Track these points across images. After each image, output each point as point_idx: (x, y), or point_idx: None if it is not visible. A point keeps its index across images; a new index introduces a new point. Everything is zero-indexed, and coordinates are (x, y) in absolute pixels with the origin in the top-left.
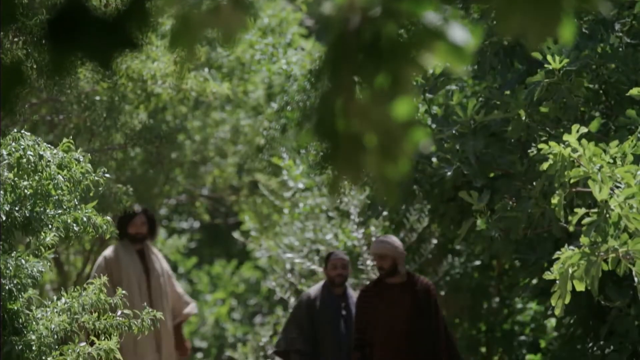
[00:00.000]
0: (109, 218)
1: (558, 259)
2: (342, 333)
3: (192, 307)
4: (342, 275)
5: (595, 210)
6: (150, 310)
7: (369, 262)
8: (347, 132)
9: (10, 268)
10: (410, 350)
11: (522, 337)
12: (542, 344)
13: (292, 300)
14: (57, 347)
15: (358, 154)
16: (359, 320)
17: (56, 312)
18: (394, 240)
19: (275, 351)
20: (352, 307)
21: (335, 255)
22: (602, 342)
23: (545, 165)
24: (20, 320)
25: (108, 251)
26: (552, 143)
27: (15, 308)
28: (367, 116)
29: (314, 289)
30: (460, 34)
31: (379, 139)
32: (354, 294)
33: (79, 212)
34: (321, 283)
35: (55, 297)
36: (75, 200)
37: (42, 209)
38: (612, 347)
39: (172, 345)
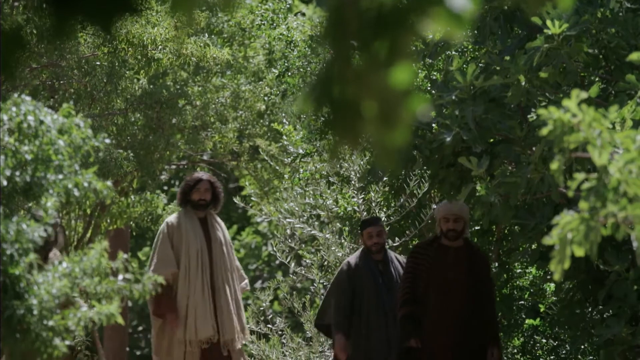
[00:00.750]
0: (109, 183)
1: (557, 224)
2: (384, 298)
3: (246, 283)
4: (379, 244)
5: (595, 175)
6: (151, 275)
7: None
8: (347, 99)
9: (12, 233)
10: (464, 315)
11: (521, 302)
12: (541, 308)
13: (293, 266)
14: (58, 311)
15: (358, 120)
16: (409, 276)
17: (57, 276)
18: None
19: (317, 324)
20: (393, 271)
21: (368, 224)
22: (600, 307)
23: (544, 131)
24: (22, 284)
25: (171, 217)
26: (551, 108)
27: (17, 273)
28: (367, 83)
29: (353, 257)
30: (459, 0)
31: (378, 106)
32: (396, 256)
33: (80, 177)
34: (360, 250)
35: (56, 262)
36: (76, 165)
37: (42, 174)
38: (610, 312)
39: (233, 314)
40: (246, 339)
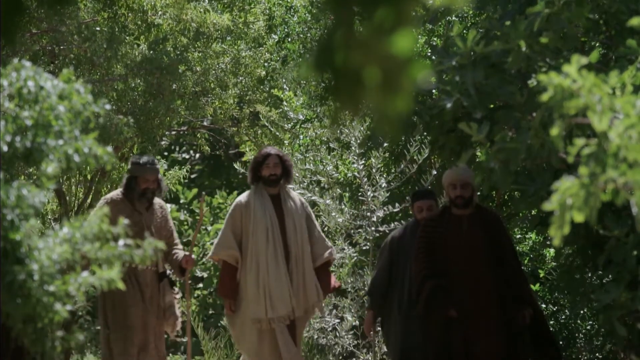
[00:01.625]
0: (109, 149)
1: (557, 189)
2: None
3: (330, 252)
4: None
5: (595, 141)
6: (151, 240)
7: (369, 194)
8: (348, 65)
9: (12, 198)
10: (483, 284)
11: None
12: (541, 273)
13: None
14: (59, 276)
15: (358, 86)
16: (423, 253)
17: (57, 242)
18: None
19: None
20: None
21: (418, 197)
22: (600, 272)
23: (544, 96)
24: (22, 250)
25: (241, 196)
26: (551, 74)
27: (17, 238)
28: (368, 49)
29: (398, 230)
30: None
31: (379, 72)
32: None
33: (80, 143)
34: (412, 221)
35: (57, 227)
36: (76, 131)
37: (43, 139)
38: (610, 277)
39: (309, 289)
40: (319, 313)
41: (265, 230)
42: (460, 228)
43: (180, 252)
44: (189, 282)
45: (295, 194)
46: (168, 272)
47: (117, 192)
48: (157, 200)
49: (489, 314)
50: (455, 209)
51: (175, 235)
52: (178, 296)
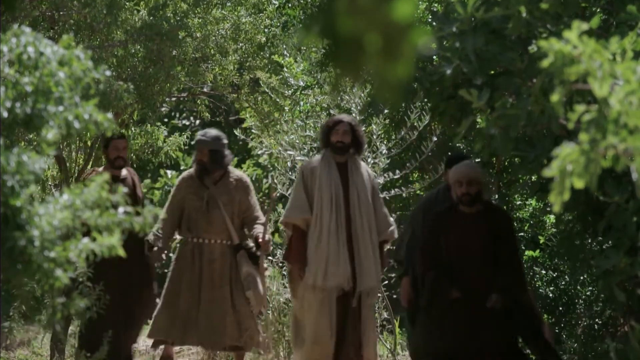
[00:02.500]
0: (109, 115)
1: (557, 156)
2: None
3: (391, 231)
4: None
5: (595, 107)
6: (151, 208)
7: (369, 160)
8: (349, 31)
9: (12, 164)
10: (485, 284)
11: (521, 234)
12: (541, 240)
13: None
14: (59, 242)
15: (359, 52)
16: (429, 244)
17: (58, 208)
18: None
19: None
20: None
21: (453, 161)
22: (600, 238)
23: (545, 63)
24: (23, 216)
25: (308, 160)
26: (552, 40)
27: (18, 204)
28: (368, 15)
29: (431, 192)
30: None
31: (379, 39)
32: None
33: (80, 109)
34: (440, 186)
35: (57, 194)
36: (76, 97)
37: (43, 105)
38: (610, 242)
39: (369, 264)
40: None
41: (329, 198)
42: (465, 226)
43: (259, 226)
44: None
45: (365, 165)
46: (250, 245)
47: (190, 170)
48: (237, 174)
49: (489, 315)
50: (462, 207)
51: (257, 209)
52: (267, 273)
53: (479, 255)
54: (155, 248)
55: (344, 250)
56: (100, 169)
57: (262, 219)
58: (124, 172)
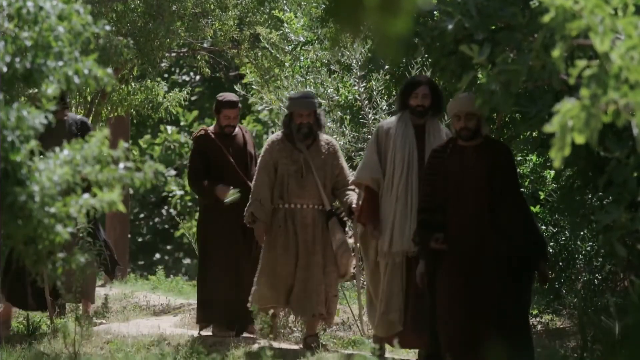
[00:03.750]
0: (109, 70)
1: (558, 111)
2: None
3: None
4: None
5: (596, 62)
6: (151, 164)
7: (370, 116)
8: None
9: (12, 119)
10: (484, 216)
11: (522, 189)
12: (542, 195)
13: None
14: (60, 198)
15: (359, 8)
16: (426, 183)
17: (58, 163)
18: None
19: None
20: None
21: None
22: (600, 193)
23: (546, 18)
24: (23, 171)
25: (384, 121)
26: None
27: (18, 159)
28: None
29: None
30: None
31: None
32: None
33: (80, 64)
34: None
35: (57, 149)
36: (76, 52)
37: (42, 60)
38: (610, 198)
39: None
40: None
41: (401, 161)
42: (465, 159)
43: (352, 193)
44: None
45: (445, 128)
46: (341, 211)
47: (278, 133)
48: (325, 138)
49: (490, 248)
50: (461, 141)
51: (347, 173)
52: (351, 240)
53: (479, 190)
54: (258, 222)
55: (410, 216)
56: (211, 128)
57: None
58: (236, 128)
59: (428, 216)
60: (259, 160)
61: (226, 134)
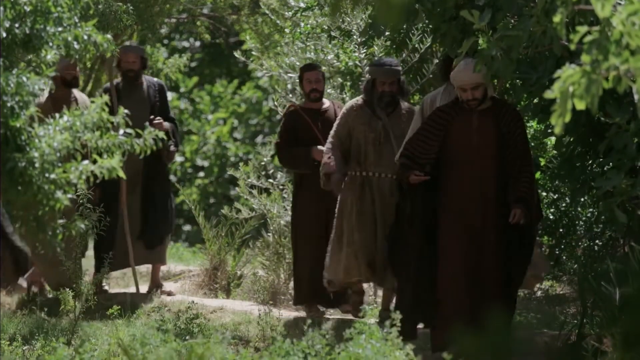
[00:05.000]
0: (109, 36)
1: (559, 77)
2: None
3: None
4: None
5: (597, 27)
6: (152, 129)
7: None
8: None
9: (12, 85)
10: (488, 177)
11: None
12: (542, 162)
13: None
14: (60, 164)
15: None
16: (416, 136)
17: (58, 130)
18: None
19: None
20: None
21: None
22: (601, 159)
23: None
24: (23, 137)
25: (431, 93)
26: None
27: (17, 125)
28: None
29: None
30: None
31: None
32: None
33: (79, 30)
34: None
35: (57, 115)
36: (75, 17)
37: (42, 26)
38: (610, 164)
39: None
40: None
41: None
42: (471, 121)
43: None
44: None
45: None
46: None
47: (357, 98)
48: (406, 105)
49: (494, 209)
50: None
51: None
52: None
53: (485, 153)
54: (332, 177)
55: None
56: (300, 104)
57: None
58: (327, 103)
59: (411, 162)
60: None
61: (315, 111)
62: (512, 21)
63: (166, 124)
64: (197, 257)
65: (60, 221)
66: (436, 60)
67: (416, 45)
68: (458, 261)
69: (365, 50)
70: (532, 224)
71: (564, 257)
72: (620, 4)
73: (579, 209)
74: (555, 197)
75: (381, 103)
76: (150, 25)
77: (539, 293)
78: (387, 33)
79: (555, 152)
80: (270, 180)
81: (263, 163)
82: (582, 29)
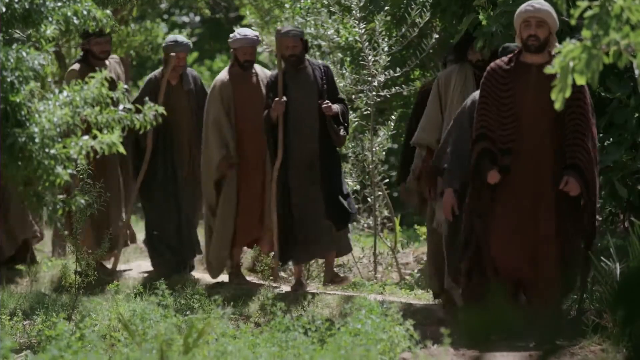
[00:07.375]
0: (108, 11)
1: (559, 52)
2: None
3: None
4: None
5: (598, 2)
6: (152, 104)
7: (370, 58)
8: None
9: (12, 60)
10: (546, 144)
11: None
12: None
13: None
14: (60, 139)
15: None
16: (481, 106)
17: (58, 105)
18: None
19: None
20: None
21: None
22: (601, 134)
23: None
24: (23, 112)
25: (443, 72)
26: None
27: (17, 100)
28: None
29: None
30: None
31: None
32: None
33: (79, 4)
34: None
35: (57, 91)
36: None
37: (41, 1)
38: (611, 139)
39: None
40: None
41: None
42: (528, 78)
43: None
44: None
45: None
46: None
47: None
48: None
49: (552, 180)
50: (526, 54)
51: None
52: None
53: (545, 109)
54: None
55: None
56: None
57: None
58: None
59: (487, 145)
60: None
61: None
62: None
63: (335, 107)
64: None
65: (60, 196)
66: (436, 35)
67: (416, 20)
68: (515, 219)
69: (365, 26)
70: (588, 197)
71: None
72: None
73: None
74: None
75: None
76: (150, 0)
77: None
78: (386, 8)
79: None
80: None
81: None
82: (583, 4)
